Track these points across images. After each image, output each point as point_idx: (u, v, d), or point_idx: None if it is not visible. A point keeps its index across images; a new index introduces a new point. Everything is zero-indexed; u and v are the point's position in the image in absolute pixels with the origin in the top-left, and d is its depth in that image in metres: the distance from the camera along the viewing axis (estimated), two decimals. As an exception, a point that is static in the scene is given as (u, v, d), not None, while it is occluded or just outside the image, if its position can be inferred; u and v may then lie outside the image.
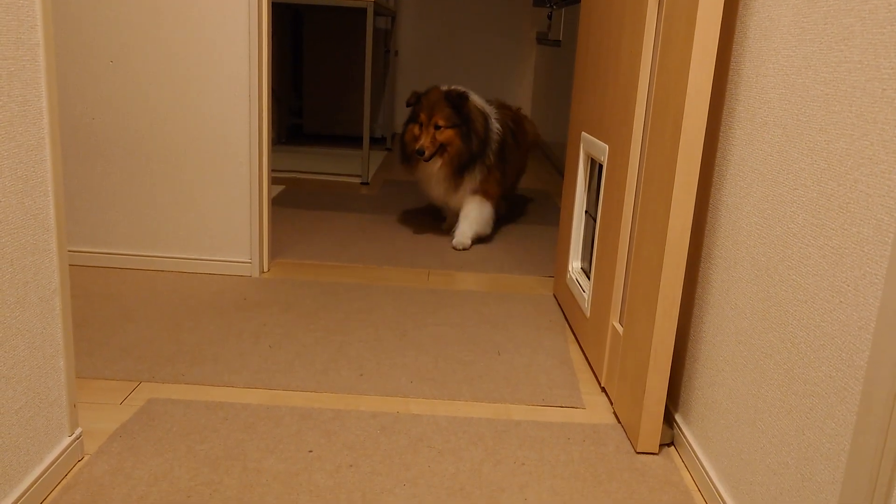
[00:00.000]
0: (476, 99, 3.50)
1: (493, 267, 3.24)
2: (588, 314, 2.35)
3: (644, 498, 1.65)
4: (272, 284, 2.87)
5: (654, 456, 1.82)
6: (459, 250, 3.44)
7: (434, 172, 3.43)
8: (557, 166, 5.51)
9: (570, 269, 2.66)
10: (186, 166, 2.84)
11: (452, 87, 3.42)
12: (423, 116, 3.34)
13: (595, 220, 2.38)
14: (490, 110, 3.57)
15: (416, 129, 3.37)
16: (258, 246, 2.93)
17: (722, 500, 1.57)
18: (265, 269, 3.01)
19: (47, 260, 1.50)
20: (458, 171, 3.39)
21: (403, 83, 7.03)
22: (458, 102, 3.34)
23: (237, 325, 2.46)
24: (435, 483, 1.66)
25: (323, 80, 6.14)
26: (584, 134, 2.55)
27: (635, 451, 1.83)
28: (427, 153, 3.32)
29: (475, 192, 3.50)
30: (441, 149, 3.36)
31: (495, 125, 3.52)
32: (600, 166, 2.35)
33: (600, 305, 2.22)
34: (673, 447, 1.87)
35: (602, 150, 2.28)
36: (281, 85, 5.95)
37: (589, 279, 2.41)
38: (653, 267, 1.77)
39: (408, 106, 3.46)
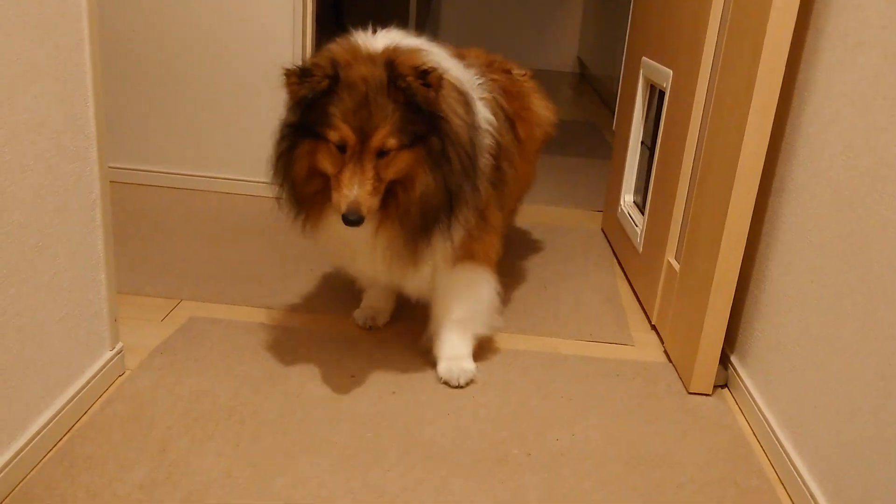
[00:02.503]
0: (450, 67, 1.59)
1: (539, 200, 3.14)
2: (640, 249, 2.25)
3: (696, 439, 1.59)
4: (313, 208, 2.82)
5: (707, 397, 1.75)
6: (455, 387, 1.72)
7: (372, 242, 1.58)
8: (605, 98, 5.32)
9: (621, 202, 2.55)
10: (228, 86, 2.76)
11: (404, 47, 1.52)
12: (346, 131, 1.43)
13: (651, 151, 2.27)
14: (469, 79, 1.65)
15: (327, 157, 1.48)
16: (299, 169, 2.86)
17: (781, 445, 1.50)
18: (306, 193, 2.95)
19: (88, 168, 1.44)
20: (425, 232, 1.54)
21: (448, 16, 6.80)
22: (423, 92, 1.44)
23: (279, 247, 2.41)
24: (480, 415, 1.61)
25: (364, 14, 5.96)
26: (644, 59, 2.40)
27: (687, 391, 1.76)
28: (366, 212, 1.44)
29: (462, 257, 1.71)
30: (386, 194, 1.50)
31: (483, 112, 1.64)
32: (660, 93, 2.22)
33: (654, 240, 2.12)
34: (727, 389, 1.79)
35: (665, 76, 2.14)
36: (323, 15, 5.79)
37: (642, 213, 2.31)
38: (719, 199, 1.67)
39: (301, 105, 1.47)
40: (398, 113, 1.44)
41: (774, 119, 1.55)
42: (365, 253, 1.63)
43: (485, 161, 1.61)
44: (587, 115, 5.03)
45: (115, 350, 1.61)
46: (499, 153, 1.69)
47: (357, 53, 1.47)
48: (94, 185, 1.47)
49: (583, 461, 1.49)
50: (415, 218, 1.53)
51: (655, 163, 2.19)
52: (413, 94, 1.42)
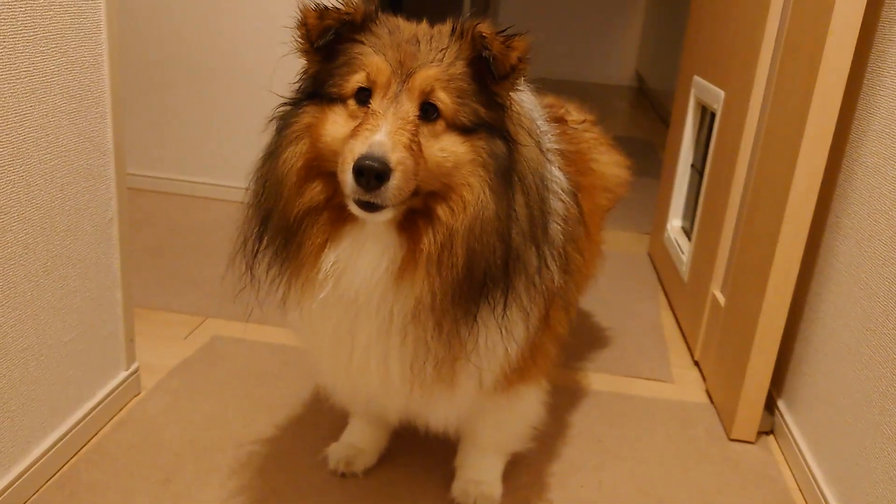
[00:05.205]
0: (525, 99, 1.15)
1: (584, 219, 3.03)
2: (685, 279, 2.13)
3: (736, 492, 1.47)
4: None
5: (750, 445, 1.62)
6: None
7: (388, 302, 1.05)
8: (661, 115, 5.16)
9: (668, 227, 2.42)
10: (265, 98, 2.73)
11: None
12: (378, 63, 0.99)
13: (701, 175, 2.14)
14: (539, 117, 1.18)
15: (340, 121, 1.01)
16: (339, 183, 2.82)
17: (828, 505, 1.37)
18: (345, 208, 2.90)
19: (103, 186, 1.41)
20: (472, 297, 1.02)
21: (505, 15, 6.73)
22: (502, 50, 0.99)
23: (310, 264, 2.37)
24: (501, 454, 1.52)
25: (419, 10, 5.94)
26: (695, 78, 2.28)
27: (728, 437, 1.63)
28: (396, 164, 0.93)
29: (512, 380, 1.21)
30: (412, 215, 1.02)
31: (555, 170, 1.16)
32: (712, 115, 2.10)
33: (700, 270, 2.00)
34: (772, 436, 1.66)
35: (716, 97, 2.02)
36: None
37: (689, 240, 2.18)
38: (768, 232, 1.54)
39: (320, 40, 1.02)
40: (459, 69, 1.00)
41: (831, 149, 1.43)
42: (373, 334, 1.07)
43: (556, 231, 1.12)
44: (643, 132, 4.88)
45: (130, 370, 1.58)
46: (566, 232, 1.16)
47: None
48: (111, 203, 1.44)
49: (608, 513, 1.38)
50: (458, 261, 0.99)
51: (704, 188, 2.07)
52: (485, 45, 0.98)
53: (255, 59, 2.69)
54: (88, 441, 1.45)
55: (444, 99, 0.98)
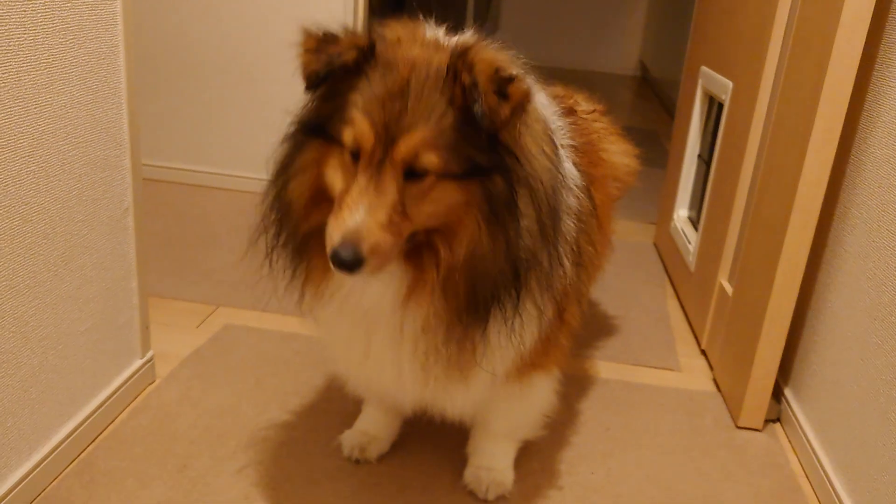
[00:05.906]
0: (539, 98, 1.12)
1: (589, 209, 3.04)
2: (692, 268, 2.15)
3: (742, 480, 1.49)
4: (358, 213, 2.78)
5: (757, 433, 1.64)
6: (482, 500, 1.37)
7: (398, 320, 1.10)
8: (666, 105, 5.16)
9: (675, 217, 2.44)
10: (275, 89, 2.74)
11: (487, 45, 1.04)
12: (362, 126, 0.99)
13: (708, 166, 2.15)
14: (553, 120, 1.19)
15: (338, 169, 1.04)
16: (346, 173, 2.83)
17: (834, 491, 1.39)
18: (352, 198, 2.91)
19: (119, 177, 1.42)
20: (477, 315, 1.06)
21: (506, 13, 6.72)
22: (493, 103, 0.96)
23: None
24: (511, 441, 1.54)
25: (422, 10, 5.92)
26: (703, 68, 2.29)
27: (735, 425, 1.65)
28: (370, 251, 0.96)
29: (526, 369, 1.25)
30: (418, 245, 1.05)
31: (569, 166, 1.19)
32: (720, 105, 2.11)
33: (707, 260, 2.01)
34: (779, 424, 1.68)
35: (724, 88, 2.03)
36: (382, 12, 5.76)
37: (696, 230, 2.20)
38: (776, 223, 1.56)
39: (311, 85, 1.04)
40: (450, 119, 0.97)
41: (840, 141, 1.44)
42: (385, 341, 1.12)
43: (569, 228, 1.14)
44: (647, 121, 4.89)
45: (145, 358, 1.60)
46: (579, 227, 1.18)
47: (415, 35, 1.05)
48: (127, 193, 1.45)
49: (618, 499, 1.40)
50: (460, 290, 1.03)
51: (711, 179, 2.08)
52: (476, 98, 0.94)
53: (265, 51, 2.70)
54: (105, 428, 1.47)
55: (431, 159, 0.97)
